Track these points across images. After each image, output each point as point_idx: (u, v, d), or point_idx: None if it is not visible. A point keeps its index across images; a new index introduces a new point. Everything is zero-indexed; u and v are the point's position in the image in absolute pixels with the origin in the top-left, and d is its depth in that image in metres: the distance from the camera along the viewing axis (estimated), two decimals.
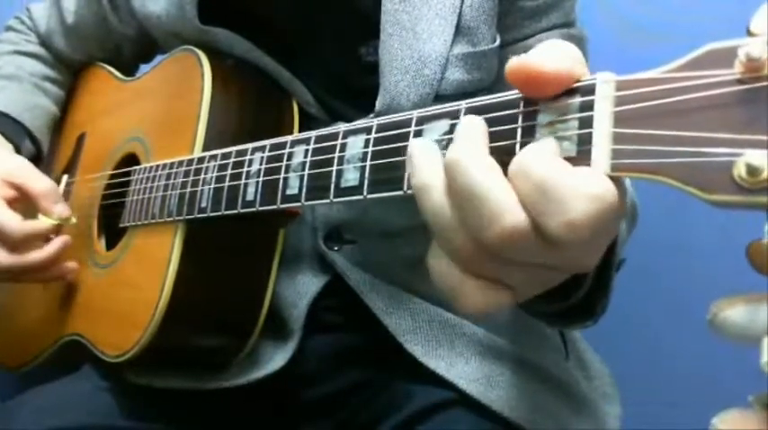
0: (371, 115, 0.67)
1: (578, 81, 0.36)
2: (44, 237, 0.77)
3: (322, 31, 0.73)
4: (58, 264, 0.77)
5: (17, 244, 0.75)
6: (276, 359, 0.71)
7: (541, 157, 0.34)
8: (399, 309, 0.70)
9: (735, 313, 0.28)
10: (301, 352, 0.71)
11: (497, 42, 0.69)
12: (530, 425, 0.66)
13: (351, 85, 0.72)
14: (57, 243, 0.76)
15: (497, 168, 0.35)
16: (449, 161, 0.36)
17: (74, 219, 0.79)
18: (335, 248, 0.71)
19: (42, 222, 0.76)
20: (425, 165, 0.38)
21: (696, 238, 1.05)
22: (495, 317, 0.72)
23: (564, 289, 0.46)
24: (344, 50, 0.72)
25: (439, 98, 0.67)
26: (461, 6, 0.67)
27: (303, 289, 0.72)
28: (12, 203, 0.77)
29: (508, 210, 0.34)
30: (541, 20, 0.71)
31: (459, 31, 0.67)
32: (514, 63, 0.36)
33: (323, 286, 0.72)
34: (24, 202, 0.78)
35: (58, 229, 0.77)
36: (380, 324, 0.69)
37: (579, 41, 0.74)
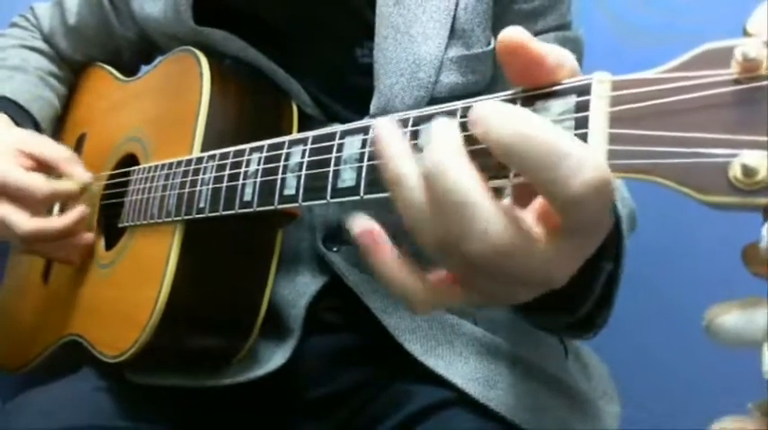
0: (367, 117, 0.67)
1: (559, 83, 0.36)
2: (65, 202, 0.76)
3: (318, 32, 0.73)
4: (76, 234, 0.76)
5: (41, 205, 0.74)
6: (275, 358, 0.70)
7: (535, 121, 0.32)
8: (398, 308, 0.69)
9: (729, 319, 0.28)
10: (301, 352, 0.71)
11: (492, 45, 0.69)
12: (529, 424, 0.65)
13: (347, 85, 0.73)
14: (77, 210, 0.75)
15: (480, 178, 0.34)
16: (429, 165, 0.34)
17: (94, 187, 0.79)
18: (334, 249, 0.71)
19: (67, 183, 0.76)
20: (396, 154, 0.36)
21: (696, 240, 1.05)
22: (490, 314, 0.72)
23: (569, 303, 0.46)
24: (340, 51, 0.72)
25: (434, 101, 0.67)
26: (456, 9, 0.67)
27: (302, 289, 0.72)
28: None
29: (499, 228, 0.33)
30: (537, 22, 0.71)
31: (454, 33, 0.67)
32: (510, 31, 0.35)
33: (322, 286, 0.72)
34: (42, 171, 0.76)
35: (78, 197, 0.76)
36: (380, 323, 0.69)
37: (575, 44, 0.75)
